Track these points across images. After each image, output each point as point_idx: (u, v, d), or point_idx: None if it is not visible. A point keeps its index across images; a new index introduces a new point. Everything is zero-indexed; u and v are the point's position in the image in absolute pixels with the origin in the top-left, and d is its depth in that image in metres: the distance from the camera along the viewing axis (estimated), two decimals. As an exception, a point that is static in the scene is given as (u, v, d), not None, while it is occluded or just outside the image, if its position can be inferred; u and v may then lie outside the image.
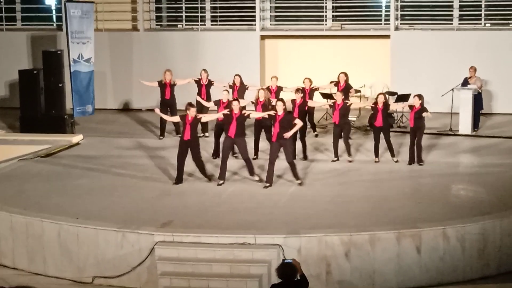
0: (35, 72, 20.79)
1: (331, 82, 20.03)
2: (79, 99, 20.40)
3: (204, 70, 19.73)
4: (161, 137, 19.64)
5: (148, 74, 20.70)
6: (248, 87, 19.32)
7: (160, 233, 12.39)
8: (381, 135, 16.98)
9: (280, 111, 15.10)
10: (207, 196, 14.68)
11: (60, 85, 20.37)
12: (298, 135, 16.70)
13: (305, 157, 17.36)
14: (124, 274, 12.42)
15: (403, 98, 21.06)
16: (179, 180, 15.48)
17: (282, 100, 15.58)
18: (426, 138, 19.36)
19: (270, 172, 15.26)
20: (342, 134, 17.15)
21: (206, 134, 19.42)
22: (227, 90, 17.56)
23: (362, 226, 12.50)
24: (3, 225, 13.34)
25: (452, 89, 19.98)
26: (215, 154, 17.22)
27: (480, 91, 20.08)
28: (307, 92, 18.45)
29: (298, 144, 17.09)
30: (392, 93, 21.89)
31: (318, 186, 15.29)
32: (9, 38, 25.09)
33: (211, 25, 24.92)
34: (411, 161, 16.81)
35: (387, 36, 23.42)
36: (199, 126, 16.70)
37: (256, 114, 16.36)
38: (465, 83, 20.08)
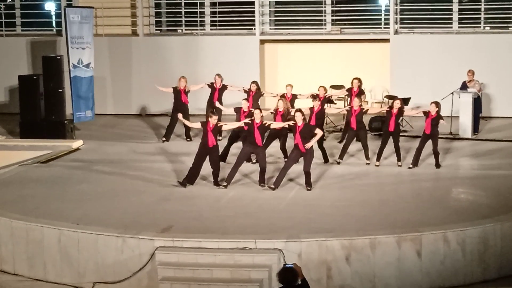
0: (35, 77, 20.79)
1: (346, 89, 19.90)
2: (79, 104, 20.42)
3: (218, 74, 19.80)
4: (164, 140, 19.67)
5: (148, 79, 20.74)
6: (263, 93, 19.39)
7: (161, 238, 12.38)
8: (390, 139, 17.07)
9: (299, 122, 15.14)
10: (208, 201, 14.67)
11: (60, 90, 20.38)
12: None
13: (326, 161, 17.41)
14: (125, 280, 12.40)
15: (402, 101, 21.04)
16: (191, 181, 15.57)
17: (300, 110, 15.52)
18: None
19: (280, 176, 15.38)
20: (358, 139, 17.32)
21: (219, 137, 19.43)
22: (246, 99, 17.56)
23: (362, 230, 12.50)
24: (3, 230, 13.33)
25: (452, 93, 20.00)
26: (221, 158, 17.11)
27: (479, 94, 20.08)
28: (320, 100, 18.42)
29: (317, 152, 17.08)
30: (392, 97, 21.88)
31: (318, 190, 15.29)
32: (9, 43, 25.11)
33: (211, 29, 24.94)
34: (414, 164, 16.86)
35: (387, 40, 23.44)
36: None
37: (276, 125, 16.24)
38: (464, 86, 20.09)
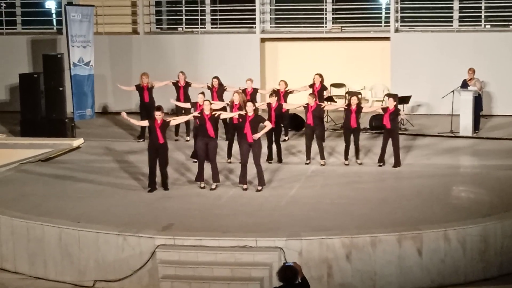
0: (35, 75, 20.78)
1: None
2: (79, 103, 20.43)
3: (182, 72, 19.80)
4: (140, 140, 19.77)
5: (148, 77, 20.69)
6: (226, 88, 19.44)
7: (161, 236, 12.39)
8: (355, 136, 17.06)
9: (250, 112, 15.11)
10: (208, 199, 14.68)
11: (61, 88, 20.38)
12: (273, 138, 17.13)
13: (279, 160, 17.36)
14: (125, 278, 12.41)
15: (403, 100, 21.10)
16: (152, 186, 15.27)
17: (252, 101, 15.73)
18: (428, 140, 19.45)
19: (242, 174, 15.27)
20: (315, 136, 17.08)
21: (187, 138, 19.50)
22: (202, 93, 17.34)
23: (363, 228, 12.50)
24: (4, 228, 13.34)
25: (453, 91, 19.98)
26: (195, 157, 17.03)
27: (479, 92, 20.08)
28: (281, 95, 18.47)
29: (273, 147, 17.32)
30: (391, 95, 21.86)
31: (318, 189, 15.29)
32: (10, 42, 25.10)
33: (211, 28, 24.93)
34: (381, 161, 16.87)
35: (387, 38, 23.42)
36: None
37: (226, 115, 16.39)
38: (464, 85, 20.08)
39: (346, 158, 17.10)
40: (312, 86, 19.35)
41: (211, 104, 15.68)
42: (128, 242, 12.42)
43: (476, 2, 23.49)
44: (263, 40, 24.32)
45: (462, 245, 12.35)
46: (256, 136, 15.01)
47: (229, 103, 17.59)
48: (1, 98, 24.59)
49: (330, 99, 20.34)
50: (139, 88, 19.65)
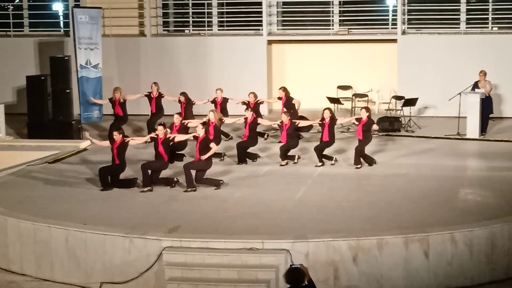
0: (42, 78, 20.84)
1: (279, 98, 19.93)
2: (86, 105, 20.47)
3: (155, 83, 20.06)
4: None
5: (155, 79, 20.71)
6: (194, 102, 19.64)
7: (168, 238, 12.38)
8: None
9: (201, 133, 15.41)
10: (215, 201, 14.68)
11: (68, 91, 20.44)
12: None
13: (240, 162, 17.45)
14: (132, 280, 12.41)
15: (410, 102, 21.09)
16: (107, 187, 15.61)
17: (204, 123, 15.94)
18: (434, 142, 19.43)
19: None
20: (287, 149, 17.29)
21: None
22: (179, 113, 17.69)
23: (369, 231, 12.49)
24: (11, 230, 13.36)
25: (460, 93, 19.95)
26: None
27: (487, 95, 20.04)
28: (251, 106, 18.54)
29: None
30: (399, 97, 21.89)
31: (325, 191, 15.28)
32: (17, 44, 25.18)
33: (218, 30, 24.97)
34: (357, 164, 16.91)
35: (394, 41, 23.42)
36: None
37: (180, 138, 16.33)
38: (476, 86, 20.05)
39: (319, 161, 17.14)
40: (280, 98, 19.58)
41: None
42: (134, 244, 12.42)
43: (483, 4, 23.47)
44: (270, 42, 24.34)
45: (469, 247, 12.32)
46: (204, 157, 15.30)
47: (206, 122, 17.45)
48: (9, 100, 24.64)
49: (337, 101, 20.32)
50: (111, 101, 19.82)
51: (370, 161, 16.95)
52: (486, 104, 20.00)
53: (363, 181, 15.95)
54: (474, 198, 14.87)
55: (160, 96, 19.92)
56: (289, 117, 17.36)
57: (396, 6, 23.69)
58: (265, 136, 19.76)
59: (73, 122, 20.39)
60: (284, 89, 19.71)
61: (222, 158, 17.58)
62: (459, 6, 23.45)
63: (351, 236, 12.22)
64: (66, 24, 25.35)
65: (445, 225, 12.66)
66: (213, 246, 12.20)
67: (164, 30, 25.58)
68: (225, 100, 19.38)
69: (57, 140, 19.67)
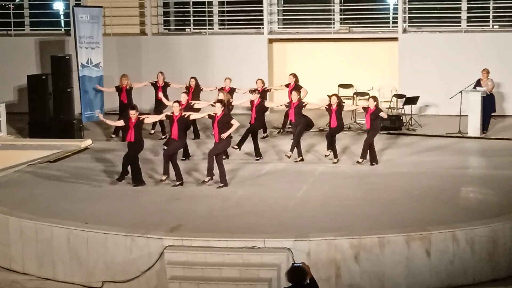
0: (43, 77, 20.83)
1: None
2: (87, 104, 20.47)
3: (161, 72, 20.22)
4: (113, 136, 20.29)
5: (156, 78, 20.72)
6: (202, 88, 19.81)
7: (169, 237, 12.39)
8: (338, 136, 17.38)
9: (219, 112, 15.33)
10: (216, 200, 14.69)
11: (69, 90, 20.43)
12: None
13: (258, 156, 17.57)
14: (134, 279, 12.42)
15: (411, 100, 21.08)
16: (121, 178, 15.74)
17: (220, 101, 15.88)
18: (436, 140, 19.43)
19: (222, 173, 15.47)
20: (295, 132, 17.37)
21: (163, 136, 19.97)
22: (185, 92, 17.91)
23: (371, 229, 12.49)
24: (13, 230, 13.37)
25: (461, 92, 19.94)
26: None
27: (489, 93, 20.02)
28: (259, 92, 18.62)
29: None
30: (400, 96, 21.89)
31: (326, 190, 15.28)
32: (18, 43, 25.19)
33: (219, 29, 24.97)
34: (363, 158, 16.98)
35: (395, 39, 23.41)
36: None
37: (195, 116, 16.51)
38: (478, 85, 20.04)
39: (335, 156, 17.23)
40: (288, 85, 19.57)
41: (193, 104, 16.04)
42: (136, 243, 12.43)
43: (485, 2, 23.46)
44: (271, 40, 24.33)
45: (470, 245, 12.32)
46: (224, 135, 15.25)
47: (214, 103, 17.60)
48: (10, 99, 24.64)
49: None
50: (118, 89, 20.06)
51: (374, 158, 16.92)
52: (489, 103, 19.99)
53: (364, 180, 15.94)
54: (475, 196, 14.87)
55: (166, 85, 20.03)
56: (298, 96, 17.40)
57: (397, 5, 23.67)
58: (281, 130, 20.09)
59: (74, 121, 20.39)
60: (294, 75, 19.73)
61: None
62: (460, 4, 23.43)
63: (353, 235, 12.23)
64: (67, 23, 25.35)
65: (447, 223, 12.66)
66: (215, 245, 12.20)
67: (165, 29, 25.58)
68: (232, 90, 19.45)
69: (59, 139, 19.66)
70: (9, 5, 26.03)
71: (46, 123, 20.36)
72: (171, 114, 15.71)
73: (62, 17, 26.59)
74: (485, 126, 19.95)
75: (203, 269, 11.99)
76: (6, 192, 15.36)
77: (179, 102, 16.14)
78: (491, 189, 14.95)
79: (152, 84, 20.19)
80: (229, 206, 14.29)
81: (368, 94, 22.58)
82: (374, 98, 17.04)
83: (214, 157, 15.38)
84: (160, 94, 19.12)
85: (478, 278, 12.40)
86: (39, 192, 15.40)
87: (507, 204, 13.81)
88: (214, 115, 15.47)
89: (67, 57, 20.85)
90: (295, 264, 8.75)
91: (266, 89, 19.40)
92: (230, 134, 15.50)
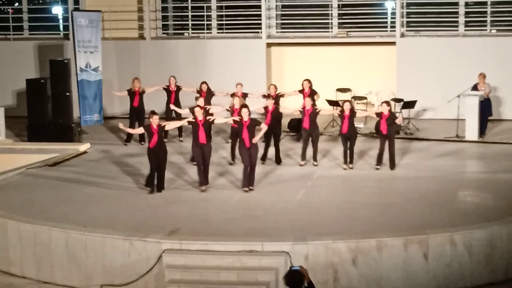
0: (42, 81, 20.86)
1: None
2: (86, 108, 20.48)
3: (173, 76, 20.13)
4: (127, 143, 20.07)
5: (154, 82, 20.75)
6: (214, 93, 19.69)
7: (168, 241, 12.42)
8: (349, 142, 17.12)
9: (245, 117, 15.33)
10: (215, 203, 14.71)
11: (67, 93, 20.45)
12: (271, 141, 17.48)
13: (279, 162, 17.61)
14: (132, 282, 12.44)
15: (409, 104, 21.11)
16: (152, 188, 15.51)
17: (247, 106, 15.85)
18: (433, 144, 19.46)
19: (245, 175, 15.47)
20: (311, 139, 17.33)
21: (181, 138, 19.91)
22: (200, 97, 17.82)
23: (369, 233, 12.51)
24: (11, 233, 13.39)
25: (459, 96, 19.98)
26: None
27: (486, 97, 20.06)
28: (273, 98, 18.62)
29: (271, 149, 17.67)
30: (398, 100, 21.91)
31: (324, 193, 15.31)
32: (16, 47, 25.21)
33: (217, 33, 25.00)
34: (379, 164, 16.95)
35: (393, 43, 23.44)
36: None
37: (220, 120, 16.51)
38: (475, 89, 20.07)
39: (345, 162, 17.15)
40: (302, 91, 19.43)
41: (208, 109, 15.83)
42: (134, 246, 12.45)
43: (482, 7, 23.51)
44: (269, 45, 24.36)
45: (468, 249, 12.35)
46: (255, 140, 15.29)
47: (229, 108, 17.72)
48: (8, 103, 24.65)
49: (336, 103, 20.36)
50: (131, 92, 19.99)
51: (393, 165, 16.86)
52: (486, 107, 20.01)
53: (362, 183, 15.97)
54: (473, 200, 14.90)
55: (179, 89, 19.96)
56: (312, 102, 17.38)
57: (394, 9, 23.71)
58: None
59: (73, 125, 20.40)
60: (309, 81, 19.45)
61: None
62: (458, 8, 23.48)
63: (351, 238, 12.25)
64: (66, 27, 25.38)
65: (444, 227, 12.69)
66: (213, 249, 12.22)
67: (163, 33, 25.61)
68: (244, 95, 19.36)
69: (57, 143, 19.67)
70: (8, 10, 26.06)
71: (44, 127, 20.38)
72: (194, 120, 15.58)
73: (61, 21, 26.63)
74: (482, 130, 19.98)
75: (201, 273, 12.01)
76: (5, 196, 15.38)
77: (200, 106, 16.04)
78: (489, 193, 14.98)
79: (164, 88, 20.03)
80: (227, 210, 14.31)
81: (366, 98, 22.63)
82: (388, 103, 17.00)
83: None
84: (172, 106, 18.67)
85: (476, 282, 12.42)
86: (37, 196, 15.42)
87: (505, 208, 13.83)
88: (240, 120, 15.45)
89: (65, 61, 20.86)
90: (292, 268, 8.75)
91: (279, 94, 19.19)
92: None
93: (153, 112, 15.49)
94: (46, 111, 20.44)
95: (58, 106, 20.40)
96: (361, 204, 14.44)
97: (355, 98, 22.92)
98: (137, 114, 19.75)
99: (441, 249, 12.24)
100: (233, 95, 19.06)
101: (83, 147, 19.54)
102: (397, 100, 21.96)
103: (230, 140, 18.22)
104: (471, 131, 19.71)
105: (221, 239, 12.43)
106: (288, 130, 20.65)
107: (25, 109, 21.09)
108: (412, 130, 20.87)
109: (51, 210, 14.33)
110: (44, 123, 20.43)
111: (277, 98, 18.84)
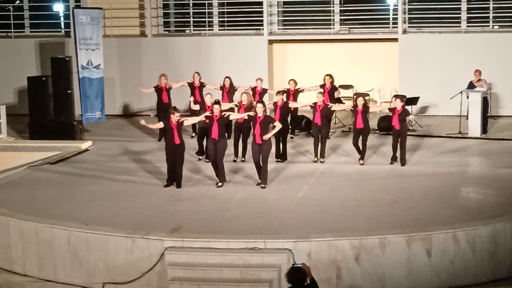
0: (43, 78, 20.84)
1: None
2: (87, 106, 20.47)
3: (197, 72, 20.10)
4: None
5: (156, 80, 20.73)
6: (237, 88, 19.64)
7: (170, 238, 12.40)
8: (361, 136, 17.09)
9: (260, 113, 15.32)
10: (217, 201, 14.68)
11: (69, 91, 20.43)
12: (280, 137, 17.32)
13: (285, 158, 17.56)
14: (134, 280, 12.43)
15: (411, 101, 21.07)
16: (169, 183, 15.61)
17: (262, 102, 15.86)
18: (436, 141, 19.43)
19: (258, 171, 15.50)
20: (320, 135, 17.29)
21: (194, 134, 19.94)
22: (210, 93, 17.72)
23: (372, 230, 12.49)
24: (14, 231, 13.38)
25: (461, 92, 19.95)
26: (200, 154, 17.70)
27: (487, 93, 20.04)
28: (291, 94, 18.59)
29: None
30: (399, 96, 21.82)
31: (327, 190, 15.29)
32: (18, 45, 25.17)
33: (219, 30, 24.97)
34: (393, 160, 16.97)
35: (395, 40, 23.41)
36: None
37: (236, 116, 16.54)
38: (471, 86, 20.04)
39: (362, 158, 17.12)
40: (322, 86, 19.40)
41: (220, 105, 15.81)
42: (137, 244, 12.43)
43: (484, 3, 23.46)
44: (271, 42, 24.33)
45: (471, 246, 12.32)
46: (266, 137, 15.21)
47: (237, 104, 17.71)
48: (10, 101, 24.64)
49: (338, 100, 20.33)
50: (158, 89, 19.95)
51: (403, 162, 16.87)
52: (484, 103, 19.97)
53: (365, 180, 15.94)
54: (476, 197, 14.88)
55: (202, 85, 19.92)
56: (323, 99, 17.34)
57: (396, 5, 23.68)
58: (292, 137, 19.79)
59: (74, 123, 20.39)
60: (330, 76, 19.49)
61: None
62: (460, 4, 23.44)
63: (354, 235, 12.23)
64: (67, 25, 25.33)
65: (448, 223, 12.67)
66: (215, 246, 12.21)
67: (165, 30, 25.58)
68: (264, 91, 19.37)
69: (59, 140, 19.67)
70: (9, 7, 26.03)
71: (46, 125, 20.38)
72: (210, 115, 15.63)
73: (62, 18, 26.58)
74: (484, 126, 19.94)
75: (204, 270, 11.99)
76: (7, 194, 15.36)
77: (218, 102, 16.10)
78: (492, 189, 14.95)
79: (189, 84, 20.03)
80: (229, 207, 14.29)
81: (368, 95, 22.59)
82: (401, 99, 16.95)
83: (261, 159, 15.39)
84: (194, 105, 18.32)
85: (479, 279, 12.40)
86: (39, 194, 15.40)
87: (508, 204, 13.81)
88: (255, 115, 15.45)
89: (67, 58, 20.85)
90: (295, 265, 8.73)
91: (298, 89, 19.21)
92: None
93: (174, 109, 15.65)
94: (48, 109, 20.44)
95: (59, 104, 20.39)
96: (364, 201, 14.41)
97: (358, 95, 22.86)
98: (165, 110, 19.44)
99: (445, 246, 12.21)
100: (253, 89, 19.10)
101: (85, 144, 19.53)
102: (398, 97, 21.86)
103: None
104: (474, 127, 19.67)
105: (224, 237, 12.41)
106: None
107: (26, 107, 21.09)
108: (415, 127, 20.83)
109: (53, 208, 14.31)
110: (45, 121, 20.43)
111: (295, 93, 18.83)
